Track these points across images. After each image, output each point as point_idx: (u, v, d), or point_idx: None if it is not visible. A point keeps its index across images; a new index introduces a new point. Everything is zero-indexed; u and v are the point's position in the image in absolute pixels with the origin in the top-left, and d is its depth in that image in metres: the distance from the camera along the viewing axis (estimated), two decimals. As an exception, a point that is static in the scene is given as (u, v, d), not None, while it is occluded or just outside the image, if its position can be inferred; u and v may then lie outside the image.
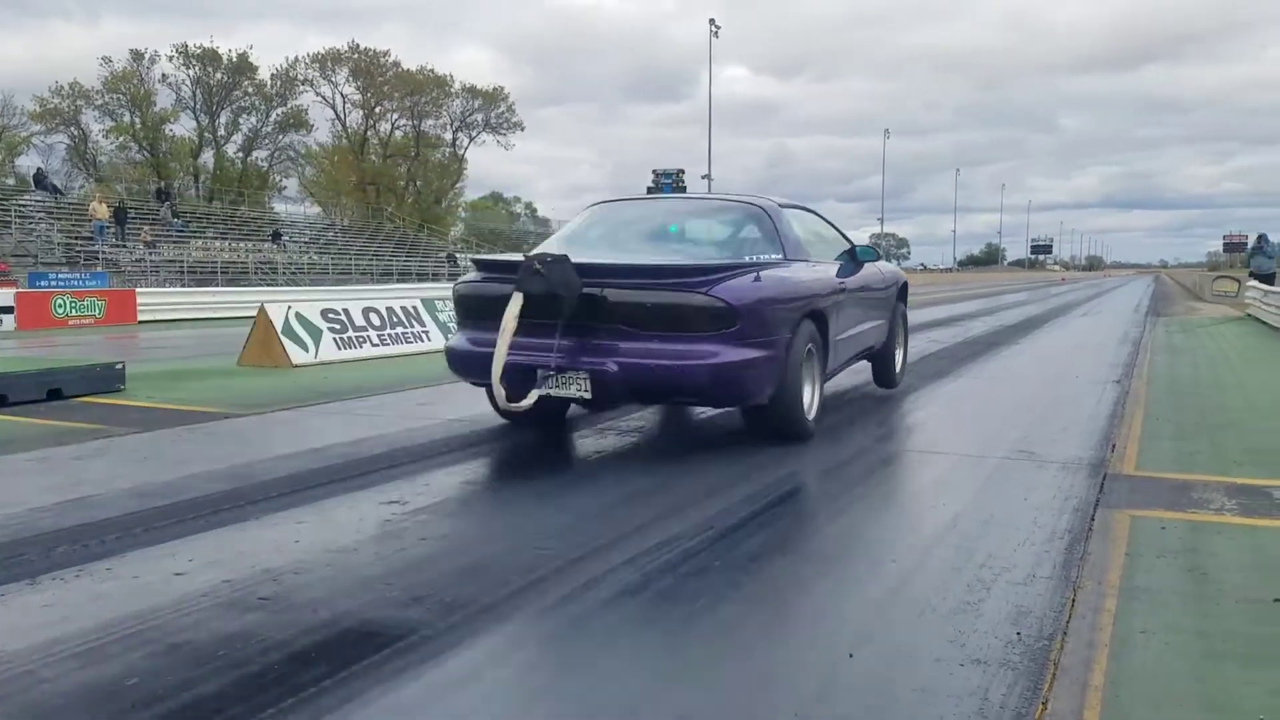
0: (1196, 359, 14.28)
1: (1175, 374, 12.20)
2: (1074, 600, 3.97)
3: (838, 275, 8.29)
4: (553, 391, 6.77)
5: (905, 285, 11.07)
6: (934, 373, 12.42)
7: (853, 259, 8.86)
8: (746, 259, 7.25)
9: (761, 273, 6.94)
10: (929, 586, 4.16)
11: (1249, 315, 24.56)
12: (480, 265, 7.73)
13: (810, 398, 7.42)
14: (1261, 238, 29.67)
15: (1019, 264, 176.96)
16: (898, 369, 10.55)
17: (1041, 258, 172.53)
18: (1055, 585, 4.17)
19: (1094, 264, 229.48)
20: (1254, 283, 26.04)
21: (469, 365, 7.23)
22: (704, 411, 8.88)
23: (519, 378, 6.72)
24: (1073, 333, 21.08)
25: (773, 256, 7.49)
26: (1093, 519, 5.22)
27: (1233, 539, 4.86)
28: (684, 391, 6.69)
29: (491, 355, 6.57)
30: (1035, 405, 9.63)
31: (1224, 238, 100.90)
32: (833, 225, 9.60)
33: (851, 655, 3.43)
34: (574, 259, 6.57)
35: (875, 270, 9.62)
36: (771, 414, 7.06)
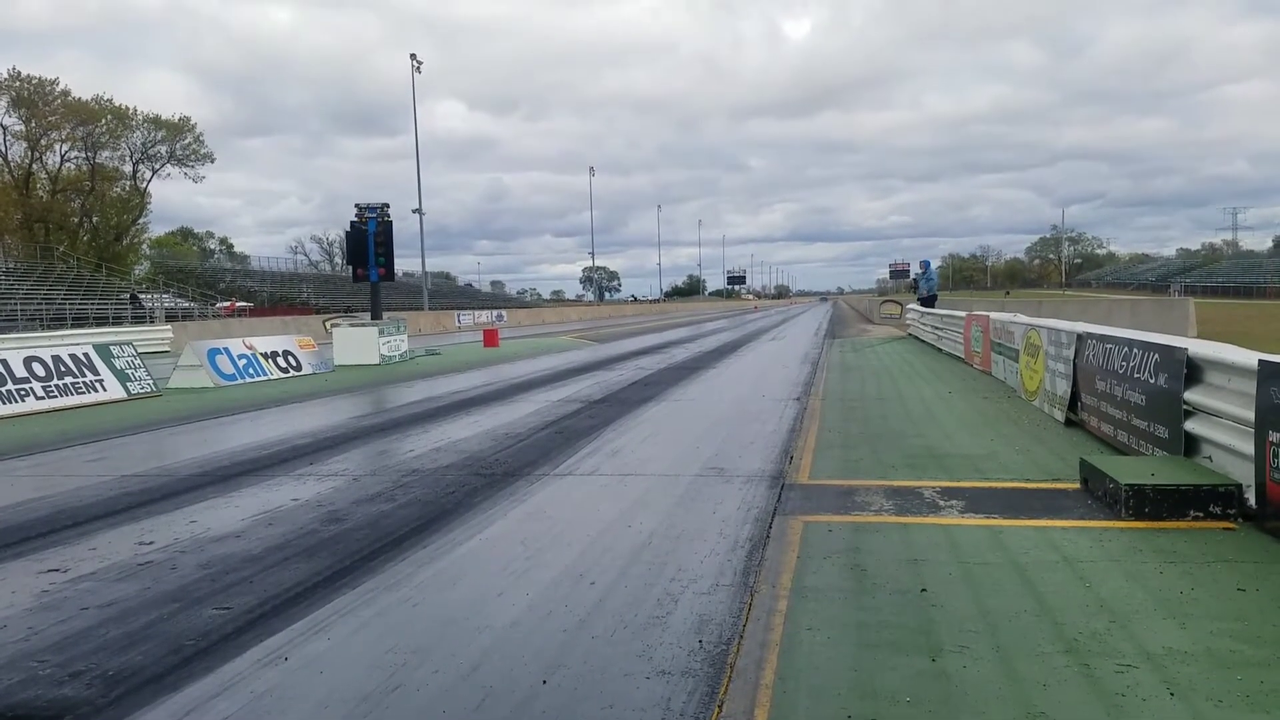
0: (864, 375, 15.82)
1: (846, 390, 13.45)
2: (751, 604, 4.26)
3: None
4: None
5: None
6: (639, 399, 12.92)
7: None
8: None
9: None
10: (623, 604, 4.32)
11: (910, 335, 27.52)
12: None
13: None
14: (925, 264, 33.02)
15: (719, 293, 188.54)
16: None
17: (737, 287, 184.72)
18: (735, 592, 4.46)
19: (782, 292, 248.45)
20: (914, 305, 29.18)
21: None
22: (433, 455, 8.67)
23: None
24: (763, 355, 22.70)
25: None
26: (770, 527, 5.64)
27: (888, 537, 5.41)
28: None
29: None
30: (727, 424, 10.26)
31: (890, 265, 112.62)
32: None
33: (545, 682, 3.49)
34: None
35: None
36: None
